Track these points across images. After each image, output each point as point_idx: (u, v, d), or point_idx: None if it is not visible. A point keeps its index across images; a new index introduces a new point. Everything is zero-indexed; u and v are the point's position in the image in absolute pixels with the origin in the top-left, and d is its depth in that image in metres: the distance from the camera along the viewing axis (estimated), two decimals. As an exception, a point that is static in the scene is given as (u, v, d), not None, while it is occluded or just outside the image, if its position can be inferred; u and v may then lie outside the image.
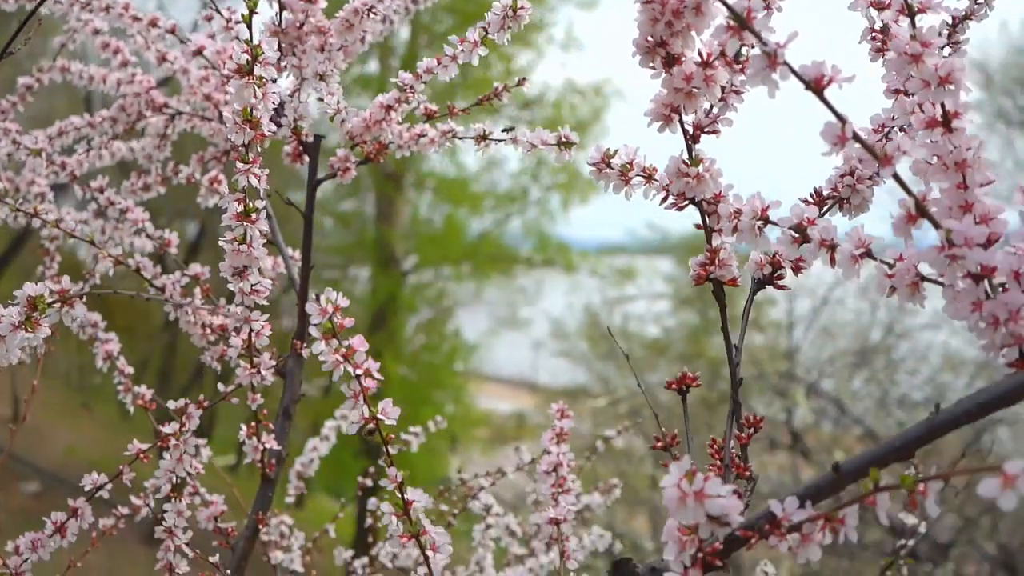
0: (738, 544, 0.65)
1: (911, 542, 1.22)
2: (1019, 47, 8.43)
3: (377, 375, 0.76)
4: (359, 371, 0.76)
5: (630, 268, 10.53)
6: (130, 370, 1.26)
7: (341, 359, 0.76)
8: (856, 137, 0.61)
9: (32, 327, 0.82)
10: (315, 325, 0.75)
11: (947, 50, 0.84)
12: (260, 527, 1.16)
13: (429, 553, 0.78)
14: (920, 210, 0.62)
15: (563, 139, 1.05)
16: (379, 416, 0.77)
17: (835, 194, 0.82)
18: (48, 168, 1.40)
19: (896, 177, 0.62)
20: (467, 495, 1.57)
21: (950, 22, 0.85)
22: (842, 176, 0.82)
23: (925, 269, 0.66)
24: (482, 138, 1.14)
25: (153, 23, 1.26)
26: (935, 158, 0.66)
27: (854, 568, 5.69)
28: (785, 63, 0.60)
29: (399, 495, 0.79)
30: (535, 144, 1.06)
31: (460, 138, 1.16)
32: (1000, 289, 0.63)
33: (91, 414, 9.75)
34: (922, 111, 0.66)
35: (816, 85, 0.60)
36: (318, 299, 0.74)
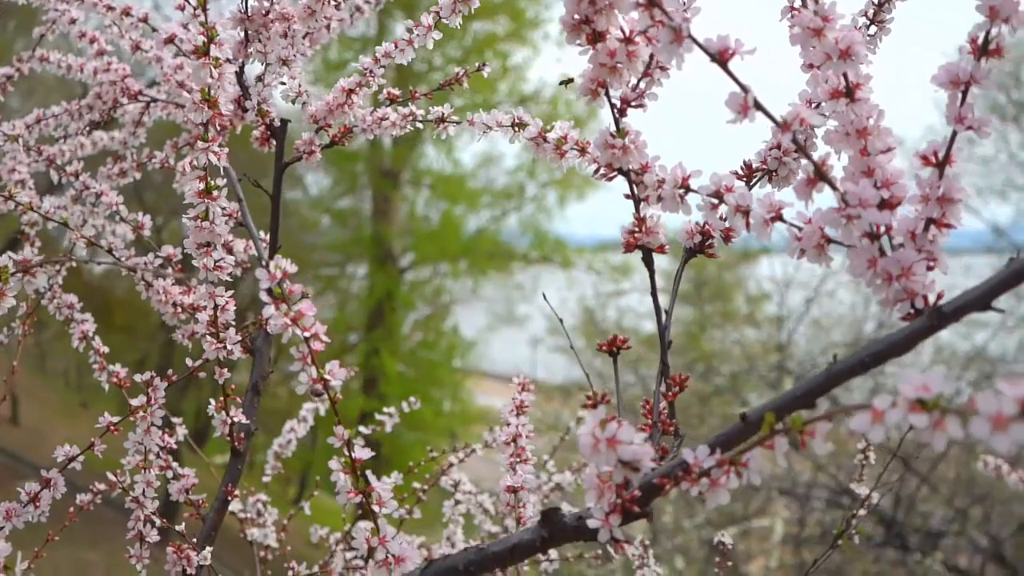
0: (655, 492, 0.68)
1: (862, 512, 1.26)
2: (1013, 40, 8.45)
3: (325, 338, 0.80)
4: (308, 334, 0.79)
5: (627, 264, 10.57)
6: (105, 350, 1.30)
7: (290, 322, 0.79)
8: (757, 105, 0.64)
9: (-2, 297, 0.86)
10: (264, 290, 0.78)
11: (873, 28, 0.88)
12: (229, 498, 1.20)
13: (375, 508, 0.82)
14: (819, 174, 0.66)
15: (516, 121, 1.08)
16: (327, 377, 0.81)
17: (763, 166, 0.86)
18: (29, 156, 1.44)
19: (796, 143, 0.66)
20: (439, 472, 1.61)
21: (876, 1, 0.89)
22: (770, 149, 0.86)
23: (832, 232, 0.70)
24: (440, 121, 1.18)
25: (126, 12, 1.29)
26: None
27: (845, 559, 5.73)
28: (690, 37, 0.64)
29: (347, 453, 0.82)
30: (490, 126, 1.10)
31: (421, 121, 1.20)
32: (901, 248, 0.67)
33: (89, 413, 9.80)
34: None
35: (721, 57, 0.64)
36: (267, 265, 0.78)
